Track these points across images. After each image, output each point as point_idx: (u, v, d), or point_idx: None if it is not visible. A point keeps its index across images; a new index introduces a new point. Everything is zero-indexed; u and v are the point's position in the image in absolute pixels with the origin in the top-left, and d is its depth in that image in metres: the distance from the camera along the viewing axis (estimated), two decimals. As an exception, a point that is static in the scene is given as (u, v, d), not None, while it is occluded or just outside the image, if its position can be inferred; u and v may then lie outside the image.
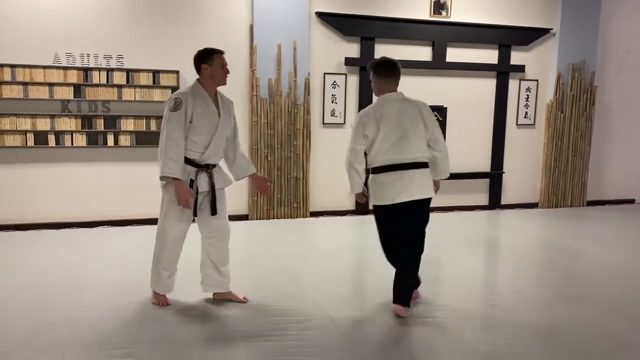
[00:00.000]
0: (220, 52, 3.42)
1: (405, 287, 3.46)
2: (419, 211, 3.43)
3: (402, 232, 3.46)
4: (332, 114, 6.48)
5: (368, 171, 3.53)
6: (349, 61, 6.41)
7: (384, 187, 3.39)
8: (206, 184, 3.40)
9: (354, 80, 6.52)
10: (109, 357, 2.85)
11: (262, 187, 3.73)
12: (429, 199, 3.46)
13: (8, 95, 5.38)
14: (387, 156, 3.37)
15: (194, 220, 3.51)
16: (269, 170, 6.21)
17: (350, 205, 6.67)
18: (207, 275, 3.62)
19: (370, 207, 3.62)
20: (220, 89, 3.49)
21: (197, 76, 3.42)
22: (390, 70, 3.42)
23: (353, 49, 6.47)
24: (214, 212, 3.44)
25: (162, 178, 3.31)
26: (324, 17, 6.29)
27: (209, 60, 3.35)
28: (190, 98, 3.30)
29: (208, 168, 3.43)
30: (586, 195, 7.57)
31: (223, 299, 3.65)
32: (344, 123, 6.55)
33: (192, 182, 3.36)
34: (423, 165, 3.42)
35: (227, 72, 3.43)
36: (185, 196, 3.27)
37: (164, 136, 3.27)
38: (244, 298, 3.66)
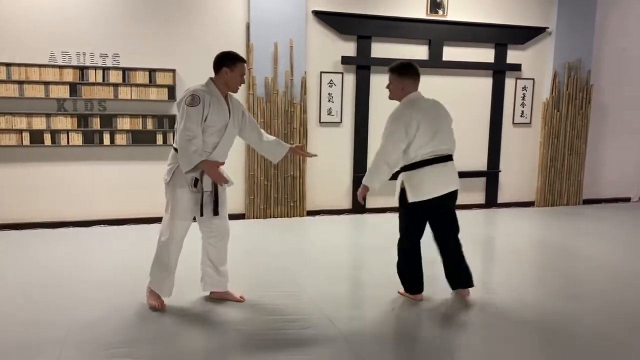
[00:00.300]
0: (244, 61, 3.43)
1: (465, 268, 3.70)
2: (454, 201, 3.65)
3: (440, 226, 3.65)
4: (329, 112, 6.48)
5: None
6: (345, 60, 6.40)
7: (429, 180, 3.48)
8: (210, 184, 3.40)
9: (350, 79, 6.51)
10: (105, 356, 2.84)
11: (303, 154, 3.79)
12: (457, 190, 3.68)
13: (3, 94, 5.35)
14: (429, 149, 3.48)
15: (194, 219, 3.50)
16: (265, 169, 6.21)
17: (347, 204, 6.67)
18: (206, 274, 3.62)
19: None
20: None
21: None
22: (416, 71, 3.57)
23: (350, 48, 6.47)
24: (216, 212, 3.43)
25: (170, 177, 3.35)
26: (320, 15, 6.28)
27: (231, 65, 3.34)
28: (207, 97, 3.29)
29: None
30: (582, 193, 7.59)
31: (220, 298, 3.65)
32: (341, 122, 6.55)
33: (197, 181, 3.34)
34: (452, 157, 3.64)
35: (243, 82, 3.44)
36: (217, 170, 3.30)
37: (183, 130, 3.21)
38: (240, 297, 3.66)
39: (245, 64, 3.44)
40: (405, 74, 3.53)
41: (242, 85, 3.51)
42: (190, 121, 3.21)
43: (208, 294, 3.68)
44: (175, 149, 3.34)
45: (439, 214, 3.62)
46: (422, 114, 3.45)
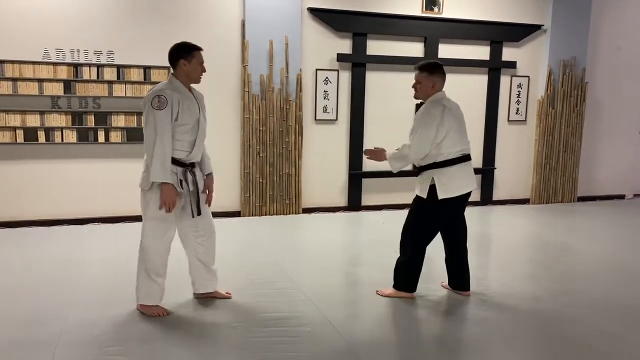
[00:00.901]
0: (200, 49, 3.29)
1: (467, 273, 3.82)
2: (467, 202, 3.70)
3: (456, 226, 3.70)
4: (324, 110, 6.47)
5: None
6: (341, 57, 6.39)
7: (458, 178, 3.52)
8: (192, 183, 3.31)
9: (346, 77, 6.51)
10: (99, 354, 2.84)
11: (209, 190, 3.52)
12: None
13: (-3, 91, 5.34)
14: (459, 147, 3.54)
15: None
16: (261, 166, 6.20)
17: (342, 201, 6.67)
18: (197, 276, 3.56)
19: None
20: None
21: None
22: (444, 70, 3.63)
23: (345, 45, 6.46)
24: (198, 212, 3.34)
25: (151, 183, 3.20)
26: (316, 12, 6.27)
27: (188, 57, 3.23)
28: (176, 94, 3.17)
29: (192, 166, 3.34)
30: (577, 190, 7.61)
31: (208, 297, 3.62)
32: (336, 119, 6.54)
33: (181, 182, 3.26)
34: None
35: (204, 70, 3.33)
36: (172, 200, 3.17)
37: (152, 137, 3.08)
38: (227, 293, 3.64)
39: (202, 51, 3.29)
40: (436, 71, 3.56)
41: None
42: (162, 127, 3.08)
43: (196, 293, 3.64)
44: None
45: (459, 213, 3.67)
46: (451, 113, 3.51)
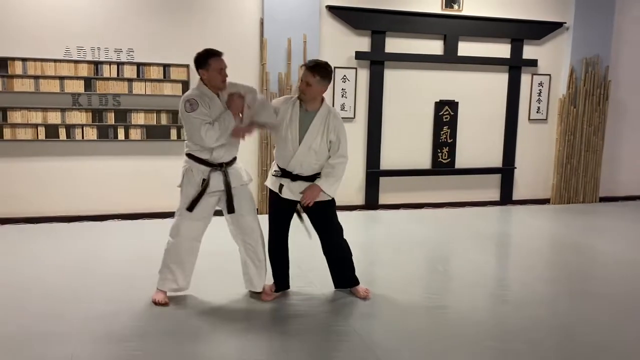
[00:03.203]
0: (217, 55, 3.31)
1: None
2: None
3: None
4: (342, 108, 6.45)
5: None
6: (359, 55, 6.36)
7: None
8: (221, 182, 3.39)
9: (364, 75, 6.48)
10: (118, 349, 2.86)
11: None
12: None
13: (19, 88, 5.40)
14: None
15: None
16: (278, 164, 6.20)
17: (359, 200, 6.64)
18: (246, 274, 3.63)
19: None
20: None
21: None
22: None
23: (364, 43, 6.43)
24: (231, 209, 3.44)
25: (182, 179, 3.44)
26: (334, 10, 6.25)
27: (205, 66, 3.29)
28: (206, 98, 3.31)
29: (222, 166, 3.40)
30: (599, 191, 7.48)
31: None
32: (354, 117, 6.51)
33: (204, 181, 3.36)
34: None
35: (226, 75, 3.35)
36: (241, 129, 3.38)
37: (200, 128, 3.21)
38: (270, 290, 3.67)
39: (221, 56, 3.32)
40: (327, 78, 3.36)
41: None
42: (200, 119, 3.23)
43: (247, 291, 3.69)
44: (188, 155, 3.40)
45: None
46: None
